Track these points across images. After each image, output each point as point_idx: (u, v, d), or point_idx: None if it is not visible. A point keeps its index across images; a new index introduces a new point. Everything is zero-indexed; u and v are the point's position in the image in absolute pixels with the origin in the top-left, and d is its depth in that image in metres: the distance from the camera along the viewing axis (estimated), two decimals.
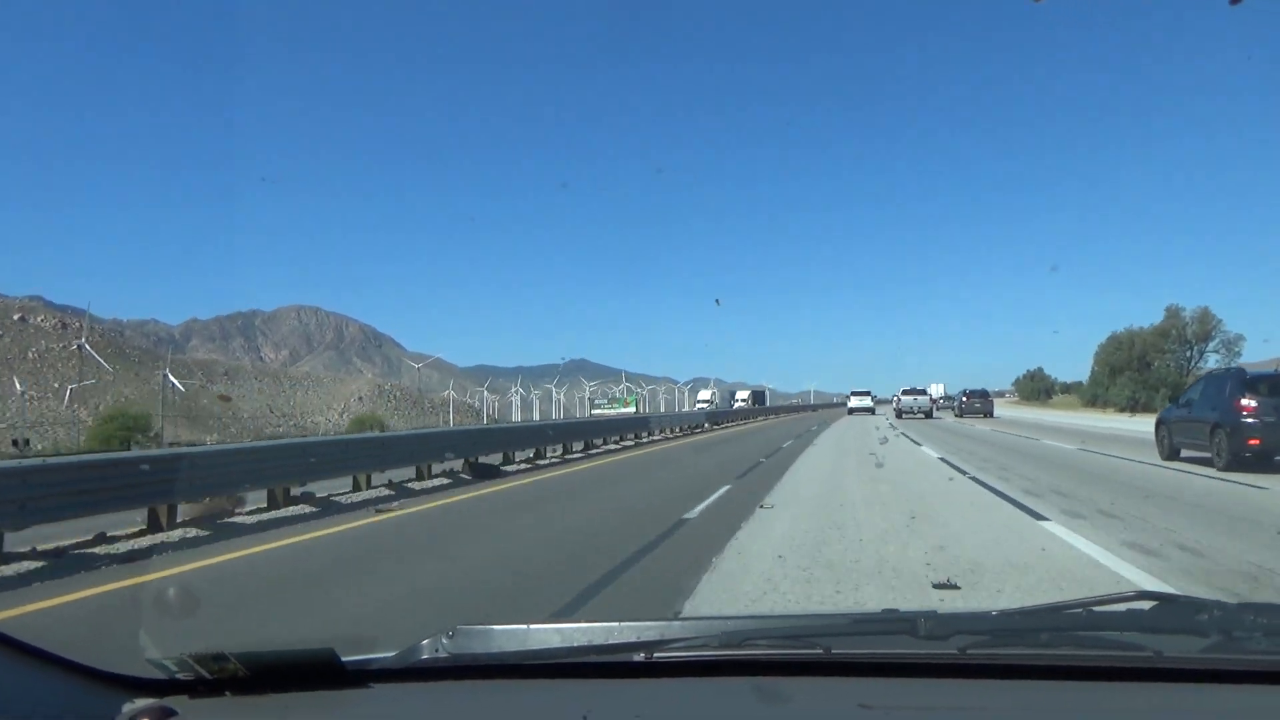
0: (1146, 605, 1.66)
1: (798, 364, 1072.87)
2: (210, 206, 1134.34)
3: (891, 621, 1.64)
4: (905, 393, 50.62)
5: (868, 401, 57.03)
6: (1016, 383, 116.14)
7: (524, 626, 1.63)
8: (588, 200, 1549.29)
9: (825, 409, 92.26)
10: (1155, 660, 1.44)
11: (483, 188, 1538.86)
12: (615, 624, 1.62)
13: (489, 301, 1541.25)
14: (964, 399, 52.20)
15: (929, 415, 48.46)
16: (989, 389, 53.43)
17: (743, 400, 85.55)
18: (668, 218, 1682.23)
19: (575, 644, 1.58)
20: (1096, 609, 1.65)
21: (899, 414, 49.60)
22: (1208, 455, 14.49)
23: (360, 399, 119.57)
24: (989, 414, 49.31)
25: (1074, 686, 1.44)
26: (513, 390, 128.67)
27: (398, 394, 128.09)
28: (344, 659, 1.54)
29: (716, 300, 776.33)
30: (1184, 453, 15.83)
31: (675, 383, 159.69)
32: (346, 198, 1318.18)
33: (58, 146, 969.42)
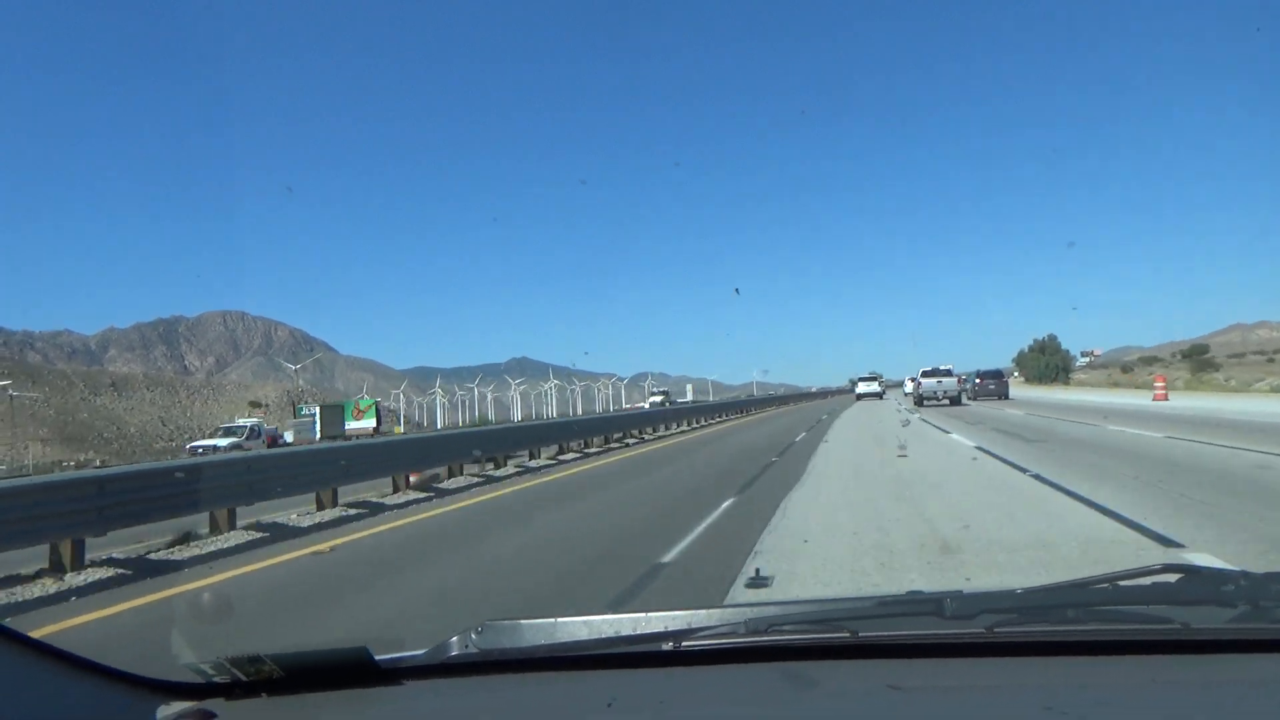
0: (1172, 578, 1.64)
1: (750, 357, 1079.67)
2: (136, 212, 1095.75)
3: (918, 603, 1.63)
4: (925, 374, 41.17)
5: (875, 387, 57.48)
6: (1019, 358, 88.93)
7: (551, 620, 1.62)
8: (541, 196, 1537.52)
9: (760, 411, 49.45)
10: (1183, 632, 1.44)
11: (429, 186, 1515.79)
12: (643, 615, 1.62)
13: (428, 303, 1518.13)
14: (978, 380, 45.89)
15: (955, 402, 39.28)
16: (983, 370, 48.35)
17: None
18: (622, 212, 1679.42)
19: (603, 635, 1.58)
20: (1122, 583, 1.63)
21: (919, 401, 40.60)
22: None
23: (268, 407, 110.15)
24: (1003, 396, 43.56)
25: (1103, 661, 1.44)
26: (432, 391, 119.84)
27: (310, 400, 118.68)
28: (377, 658, 1.53)
29: (735, 290, 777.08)
30: None
31: (622, 379, 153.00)
32: (277, 200, 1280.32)
33: None
